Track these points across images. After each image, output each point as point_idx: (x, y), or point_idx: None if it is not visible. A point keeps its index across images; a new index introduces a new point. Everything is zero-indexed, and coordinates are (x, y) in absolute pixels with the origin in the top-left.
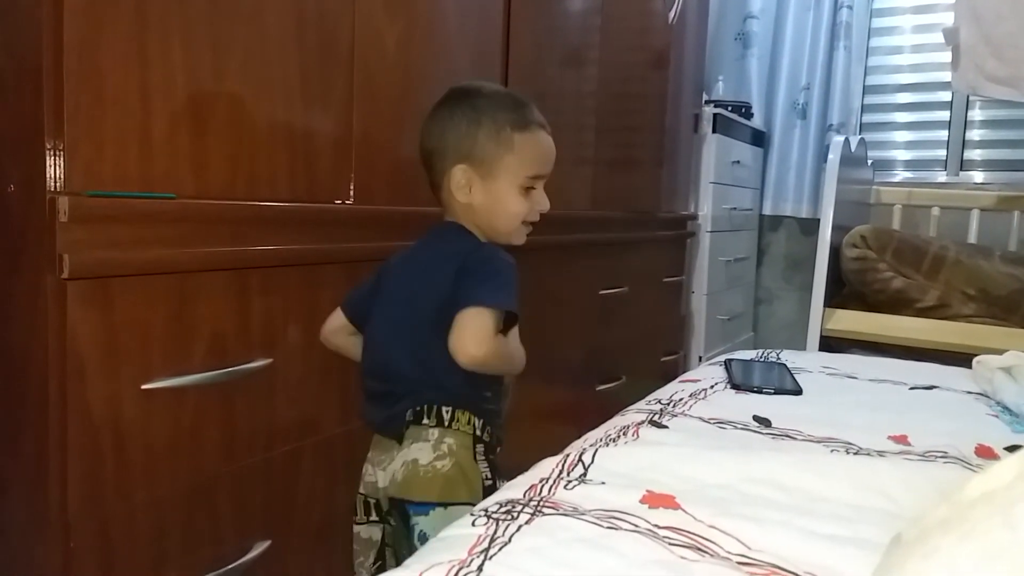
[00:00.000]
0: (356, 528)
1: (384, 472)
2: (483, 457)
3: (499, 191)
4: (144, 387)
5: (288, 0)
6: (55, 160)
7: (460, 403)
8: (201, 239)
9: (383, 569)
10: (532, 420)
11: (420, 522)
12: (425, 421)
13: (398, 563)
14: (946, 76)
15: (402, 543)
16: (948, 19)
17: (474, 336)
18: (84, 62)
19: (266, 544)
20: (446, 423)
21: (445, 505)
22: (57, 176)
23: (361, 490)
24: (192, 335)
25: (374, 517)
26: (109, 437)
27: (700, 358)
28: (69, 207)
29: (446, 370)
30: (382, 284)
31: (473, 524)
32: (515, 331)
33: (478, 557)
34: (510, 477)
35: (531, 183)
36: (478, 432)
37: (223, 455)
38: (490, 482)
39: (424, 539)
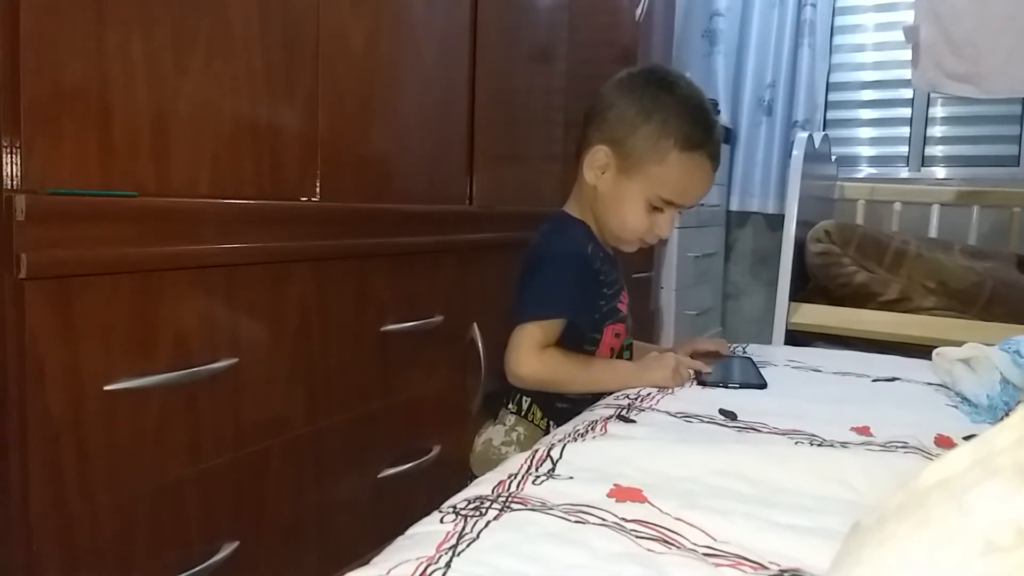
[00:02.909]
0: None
1: (477, 440)
2: None
3: (627, 193)
4: (106, 388)
5: None
6: (11, 158)
7: (538, 397)
8: (164, 237)
9: None
10: None
11: None
12: (510, 406)
13: None
14: (908, 74)
15: None
16: (909, 17)
17: (516, 353)
18: (41, 57)
19: (234, 545)
20: (523, 412)
21: None
22: (14, 174)
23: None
24: (155, 335)
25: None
26: (71, 439)
27: None
28: (26, 206)
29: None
30: None
31: (441, 521)
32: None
33: (446, 554)
34: (448, 494)
35: (662, 205)
36: (550, 427)
37: (189, 456)
38: None
39: None
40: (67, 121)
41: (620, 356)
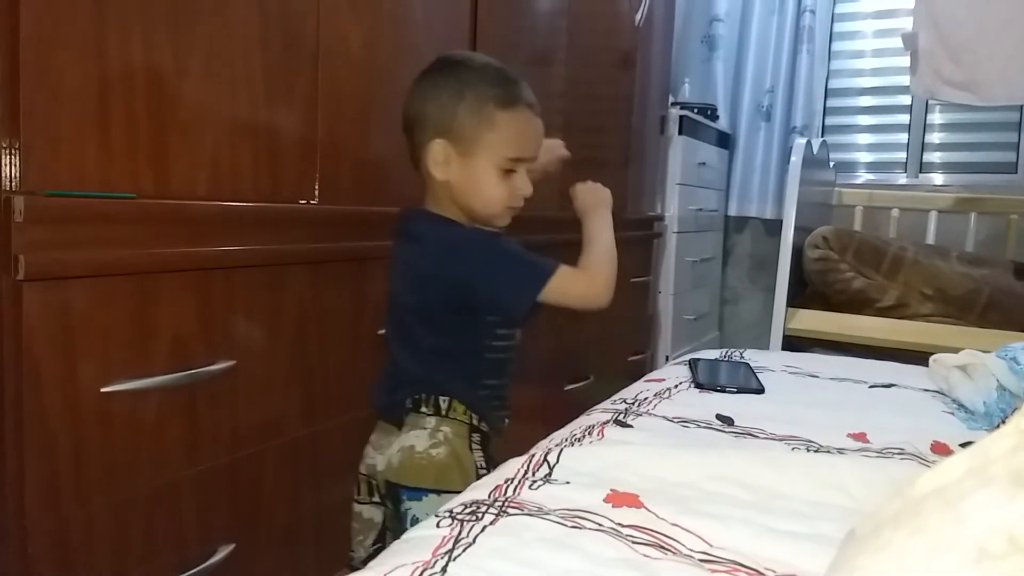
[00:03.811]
0: (357, 507)
1: (383, 456)
2: (478, 446)
3: (477, 170)
4: (104, 390)
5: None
6: (10, 159)
7: (456, 395)
8: (162, 240)
9: (381, 551)
10: None
11: (413, 507)
12: (423, 409)
13: None
14: (906, 80)
15: (396, 529)
16: (908, 24)
17: (576, 298)
18: (41, 58)
19: (230, 547)
20: (443, 412)
21: (439, 492)
22: (12, 175)
23: (362, 470)
24: (153, 337)
25: (376, 498)
26: (67, 441)
27: (667, 357)
28: (25, 207)
29: (440, 365)
30: (390, 267)
31: (438, 525)
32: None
33: (442, 558)
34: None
35: (512, 165)
36: (474, 422)
37: (186, 458)
38: (484, 471)
39: (416, 523)
40: (66, 123)
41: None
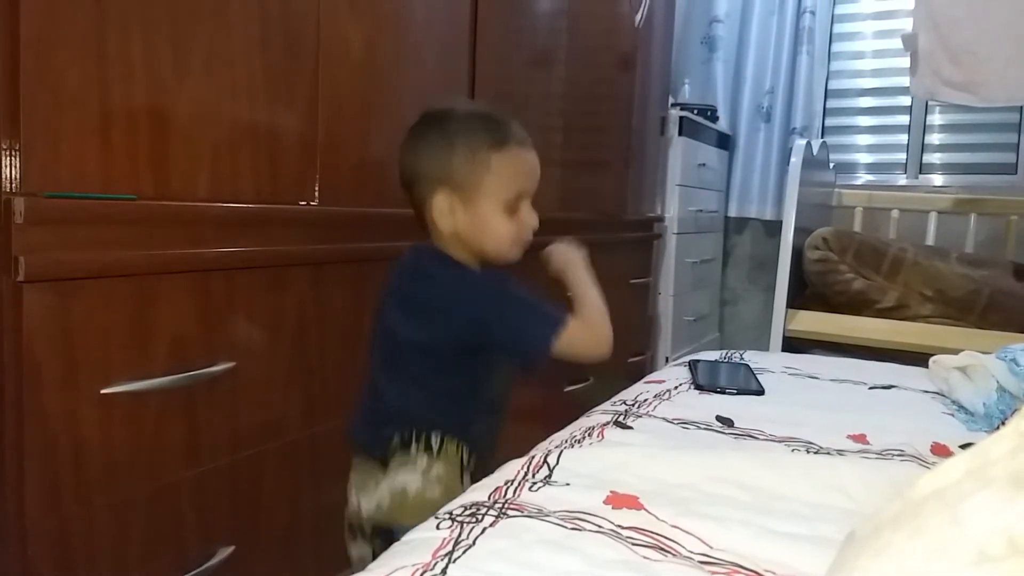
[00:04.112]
0: (350, 547)
1: (368, 498)
2: (470, 485)
3: (483, 215)
4: (103, 391)
5: (253, 1)
6: (11, 160)
7: (449, 431)
8: (162, 241)
9: None
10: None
11: None
12: (413, 448)
13: None
14: (906, 81)
15: None
16: (908, 25)
17: (583, 350)
18: (41, 59)
19: (230, 549)
20: (435, 451)
21: None
22: (12, 177)
23: (346, 512)
24: (153, 339)
25: (362, 539)
26: (67, 442)
27: (667, 359)
28: (25, 208)
29: (432, 402)
30: (383, 299)
31: (437, 527)
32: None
33: (442, 560)
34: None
35: (515, 202)
36: (465, 461)
37: (185, 460)
38: None
39: None
40: (66, 124)
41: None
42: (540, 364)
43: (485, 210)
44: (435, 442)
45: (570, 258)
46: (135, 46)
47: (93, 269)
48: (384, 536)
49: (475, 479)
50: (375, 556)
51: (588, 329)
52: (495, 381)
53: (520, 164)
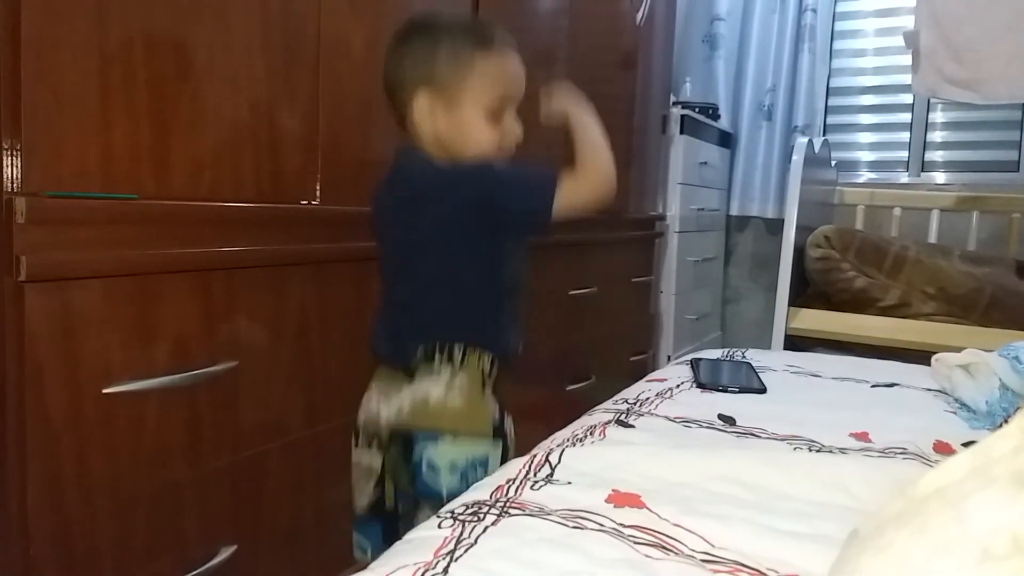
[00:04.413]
0: (356, 455)
1: (388, 406)
2: (492, 395)
3: (464, 118)
4: (105, 391)
5: (254, 2)
6: (12, 160)
7: (471, 338)
8: (164, 240)
9: (382, 499)
10: None
11: (427, 448)
12: (436, 359)
13: (396, 494)
14: (908, 79)
15: (401, 472)
16: (909, 23)
17: (586, 199)
18: (43, 59)
19: (232, 548)
20: (457, 363)
21: (455, 434)
22: (14, 176)
23: (360, 419)
24: (155, 338)
25: (374, 447)
26: (69, 442)
27: (669, 357)
28: (27, 208)
29: (450, 306)
30: (377, 213)
31: (439, 526)
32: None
33: (443, 559)
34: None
35: (499, 108)
36: (487, 371)
37: (188, 459)
38: (498, 422)
39: (432, 466)
40: (68, 124)
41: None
42: (545, 225)
43: (468, 114)
44: (457, 353)
45: (570, 98)
46: (136, 45)
47: (95, 269)
48: (403, 444)
49: (499, 390)
50: (384, 465)
51: (584, 179)
52: (508, 267)
53: (505, 68)
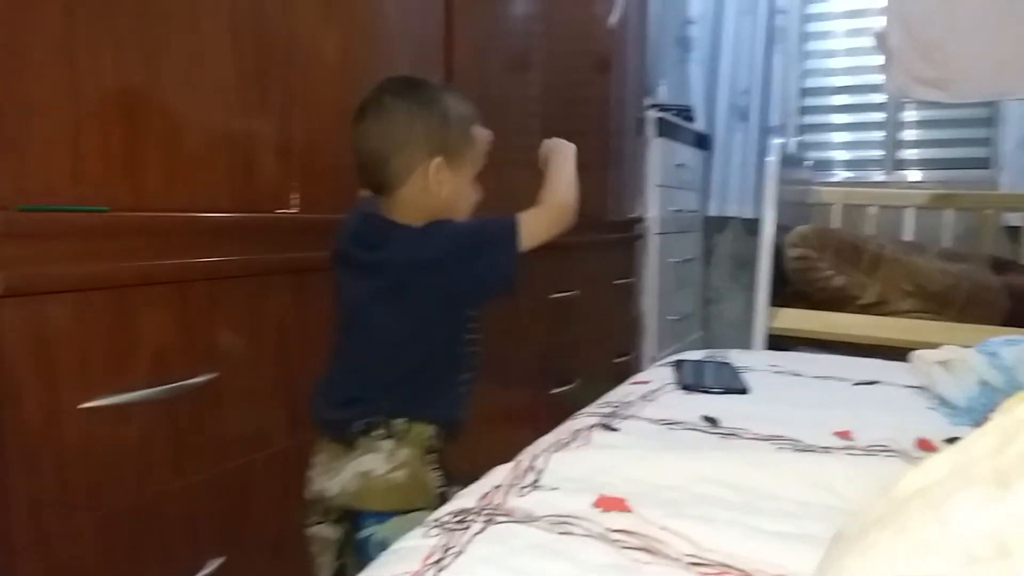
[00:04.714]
0: (312, 530)
1: (333, 482)
2: (435, 466)
3: (462, 184)
4: (84, 406)
5: (223, 7)
6: None
7: (415, 412)
8: (138, 252)
9: (345, 567)
10: (488, 425)
11: (378, 530)
12: (377, 432)
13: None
14: (880, 78)
15: (355, 552)
16: (879, 23)
17: (545, 233)
18: (10, 71)
19: (219, 561)
20: (398, 435)
21: (403, 512)
22: None
23: (309, 496)
24: (133, 351)
25: (329, 519)
26: (49, 458)
27: (652, 358)
28: None
29: (401, 378)
30: (339, 287)
31: (426, 535)
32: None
33: (431, 568)
34: (465, 483)
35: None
36: (428, 443)
37: (171, 471)
38: (442, 489)
39: (384, 545)
40: (37, 136)
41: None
42: (512, 284)
43: (464, 180)
44: (400, 426)
45: (555, 148)
46: (106, 55)
47: (69, 282)
48: (352, 523)
49: (443, 460)
50: (344, 540)
51: (544, 211)
52: (465, 337)
53: (484, 139)
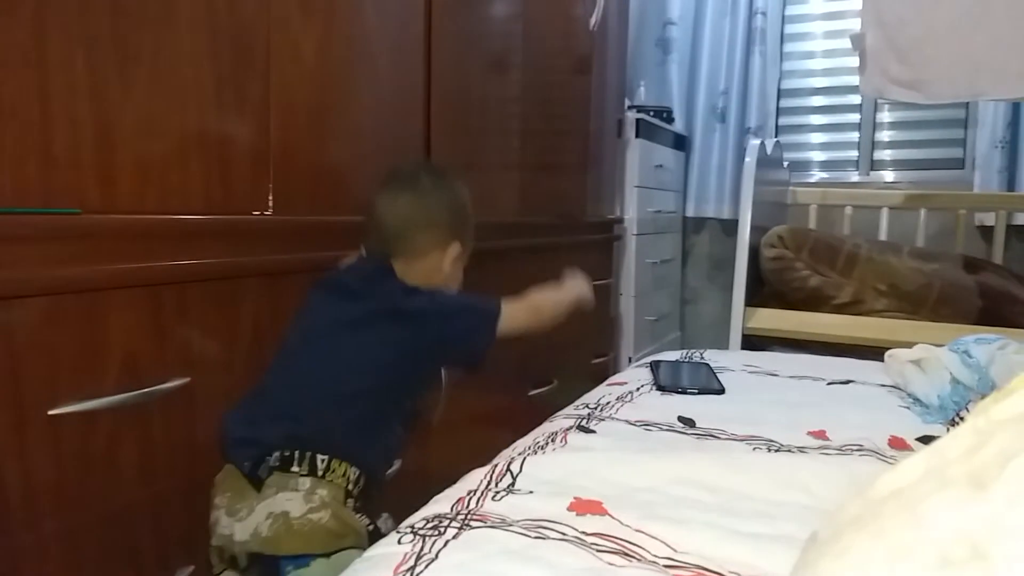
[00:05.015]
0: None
1: (242, 524)
2: (354, 509)
3: (459, 265)
4: (51, 412)
5: (200, 6)
6: None
7: (341, 453)
8: (110, 255)
9: None
10: (466, 428)
11: (301, 574)
12: (295, 468)
13: None
14: (856, 80)
15: None
16: (856, 25)
17: (519, 329)
18: None
19: (189, 569)
20: (319, 473)
21: (328, 554)
22: None
23: (214, 542)
24: (103, 356)
25: (240, 565)
26: (14, 466)
27: (630, 359)
28: None
29: (338, 414)
30: (307, 309)
31: (399, 542)
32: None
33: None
34: (407, 511)
35: None
36: (351, 485)
37: (140, 479)
38: (372, 527)
39: None
40: (5, 138)
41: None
42: (481, 364)
43: (459, 264)
44: (320, 463)
45: (576, 278)
46: (77, 54)
47: (38, 286)
48: (264, 567)
49: (365, 504)
50: None
51: (529, 307)
52: (417, 393)
53: None
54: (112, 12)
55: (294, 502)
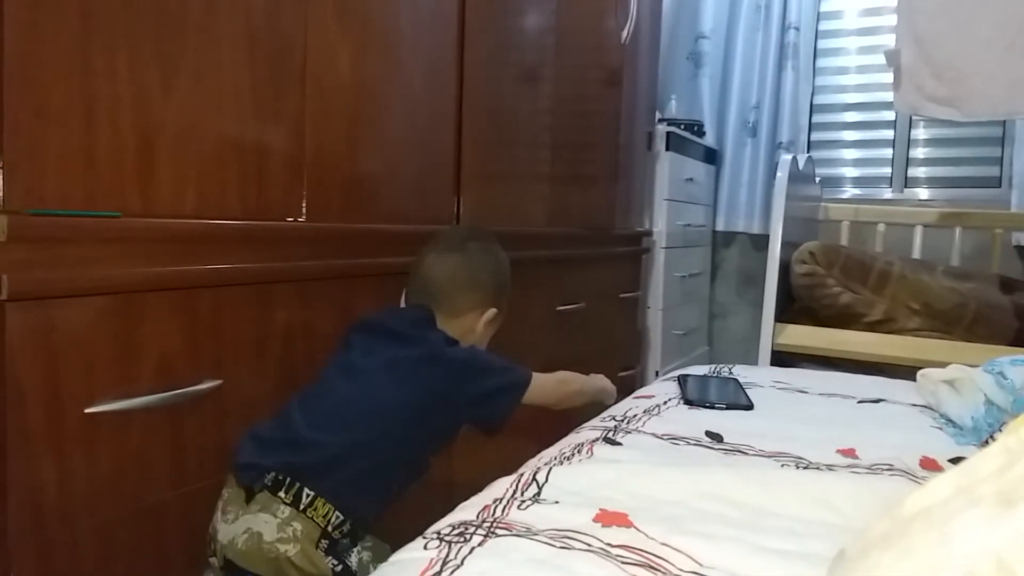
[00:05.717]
0: (206, 569)
1: (226, 527)
2: (326, 552)
3: (491, 330)
4: (88, 411)
5: (239, 16)
6: None
7: (331, 496)
8: (148, 258)
9: None
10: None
11: None
12: (281, 494)
13: None
14: (890, 96)
15: None
16: (891, 41)
17: (541, 403)
18: (26, 75)
19: None
20: (301, 507)
21: None
22: None
23: (209, 530)
24: (138, 357)
25: (218, 567)
26: (51, 462)
27: (656, 373)
28: (8, 226)
29: (350, 456)
30: (349, 348)
31: (425, 547)
32: (542, 377)
33: None
34: (432, 517)
35: None
36: (331, 528)
37: (172, 479)
38: (341, 567)
39: None
40: (51, 141)
41: None
42: (499, 420)
43: (491, 332)
44: (305, 498)
45: (605, 380)
46: (121, 62)
47: (77, 287)
48: (238, 572)
49: (335, 549)
50: None
51: (558, 385)
52: (429, 452)
53: None
54: (155, 22)
55: (270, 526)
